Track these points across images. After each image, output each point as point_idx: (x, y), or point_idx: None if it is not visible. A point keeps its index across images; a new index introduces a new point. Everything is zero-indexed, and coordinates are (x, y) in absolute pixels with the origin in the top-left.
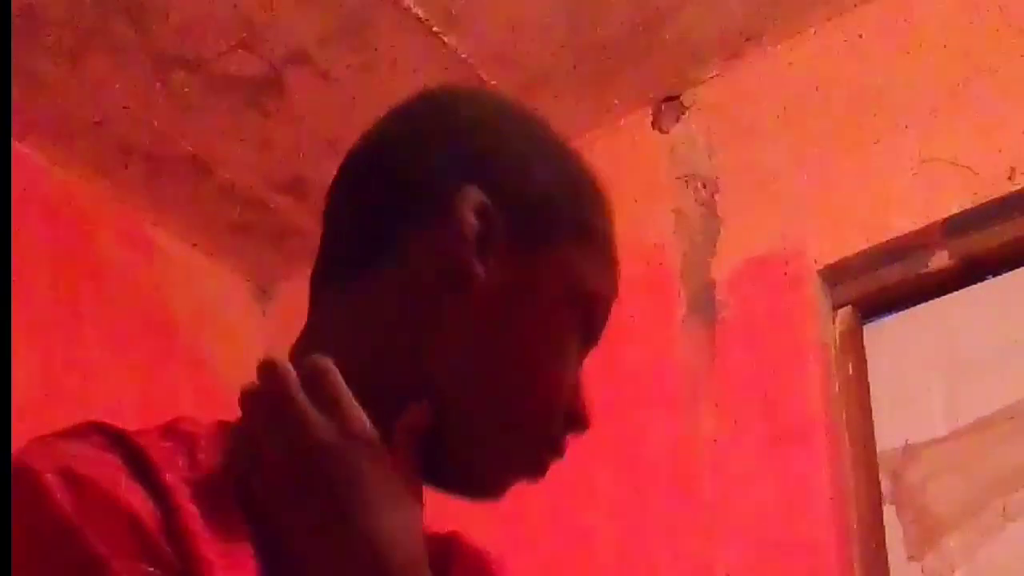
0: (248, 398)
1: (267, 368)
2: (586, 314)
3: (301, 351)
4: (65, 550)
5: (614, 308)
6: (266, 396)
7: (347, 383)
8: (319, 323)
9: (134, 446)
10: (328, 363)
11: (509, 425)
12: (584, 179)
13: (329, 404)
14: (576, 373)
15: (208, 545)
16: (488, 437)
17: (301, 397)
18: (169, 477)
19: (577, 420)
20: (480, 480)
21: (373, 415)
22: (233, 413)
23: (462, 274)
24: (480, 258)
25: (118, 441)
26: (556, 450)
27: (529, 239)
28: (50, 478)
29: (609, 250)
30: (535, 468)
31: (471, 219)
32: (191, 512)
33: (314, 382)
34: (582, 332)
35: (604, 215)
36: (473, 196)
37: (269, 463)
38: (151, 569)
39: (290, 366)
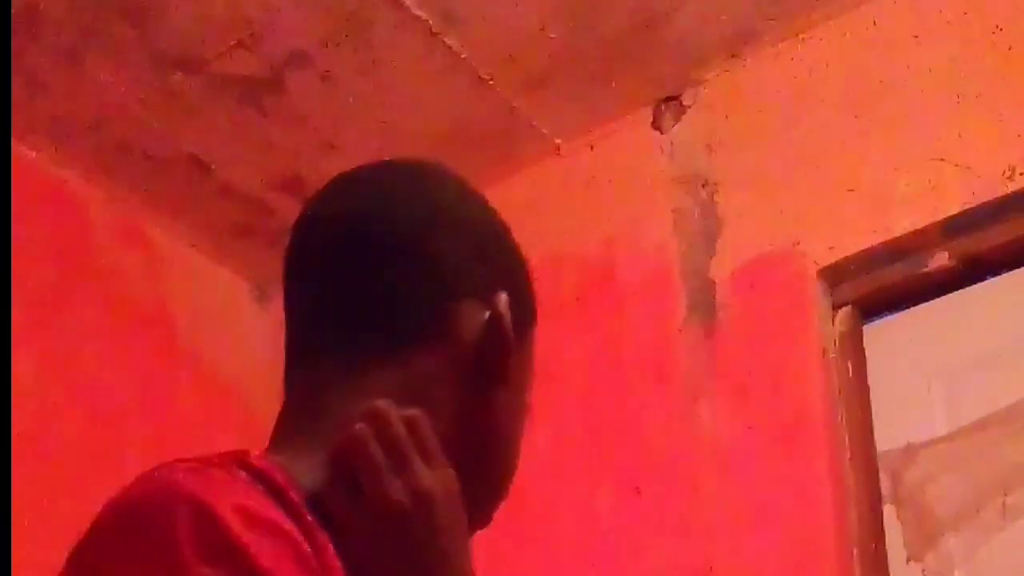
0: (361, 442)
1: (380, 415)
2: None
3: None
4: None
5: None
6: (384, 442)
7: None
8: (348, 397)
9: (270, 479)
10: (420, 413)
11: (504, 483)
12: (519, 253)
13: (426, 454)
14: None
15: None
16: (491, 495)
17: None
18: (308, 515)
19: None
20: (483, 521)
21: None
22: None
23: (503, 364)
24: (501, 344)
25: (259, 475)
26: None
27: (526, 324)
28: (230, 515)
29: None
30: (490, 518)
31: (508, 315)
32: (329, 547)
33: (412, 432)
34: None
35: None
36: (494, 281)
37: (386, 504)
38: None
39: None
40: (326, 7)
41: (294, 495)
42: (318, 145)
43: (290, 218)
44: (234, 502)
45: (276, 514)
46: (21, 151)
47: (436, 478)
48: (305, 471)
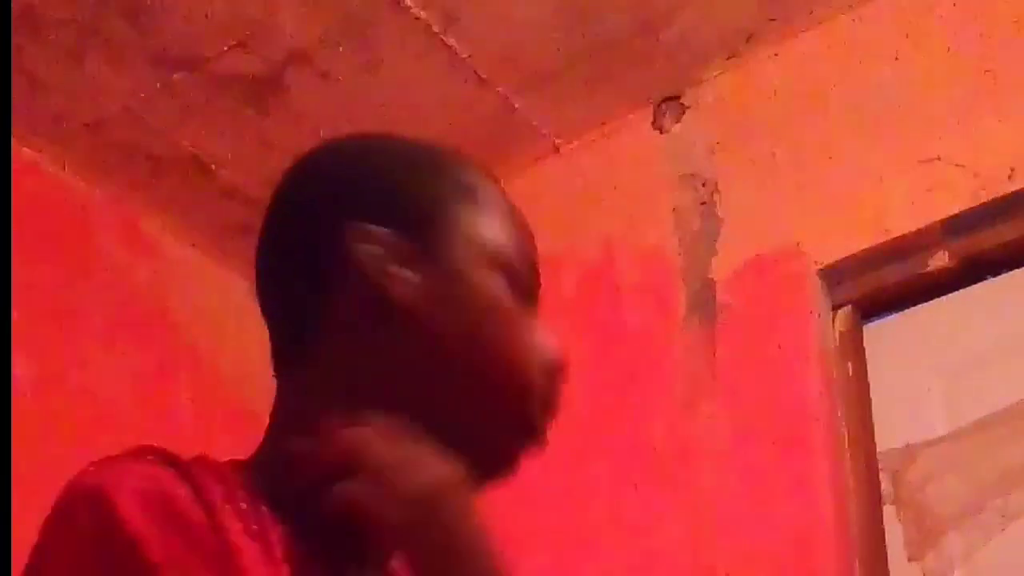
0: (366, 440)
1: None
2: (509, 273)
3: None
4: (128, 562)
5: (541, 266)
6: (391, 439)
7: None
8: (296, 408)
9: (184, 465)
10: None
11: (490, 408)
12: (445, 156)
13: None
14: (531, 330)
15: (252, 565)
16: (478, 426)
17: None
18: (217, 497)
19: (552, 368)
20: (491, 463)
21: None
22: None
23: (383, 302)
24: (389, 279)
25: (171, 462)
26: (547, 406)
27: (420, 232)
28: (125, 500)
29: (502, 206)
30: (533, 432)
31: (363, 250)
32: (237, 530)
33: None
34: (516, 293)
35: (484, 179)
36: (354, 229)
37: (402, 494)
38: None
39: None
40: (326, 7)
41: (203, 480)
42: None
43: None
44: (132, 486)
45: (181, 492)
46: (21, 151)
47: (446, 468)
48: (266, 469)
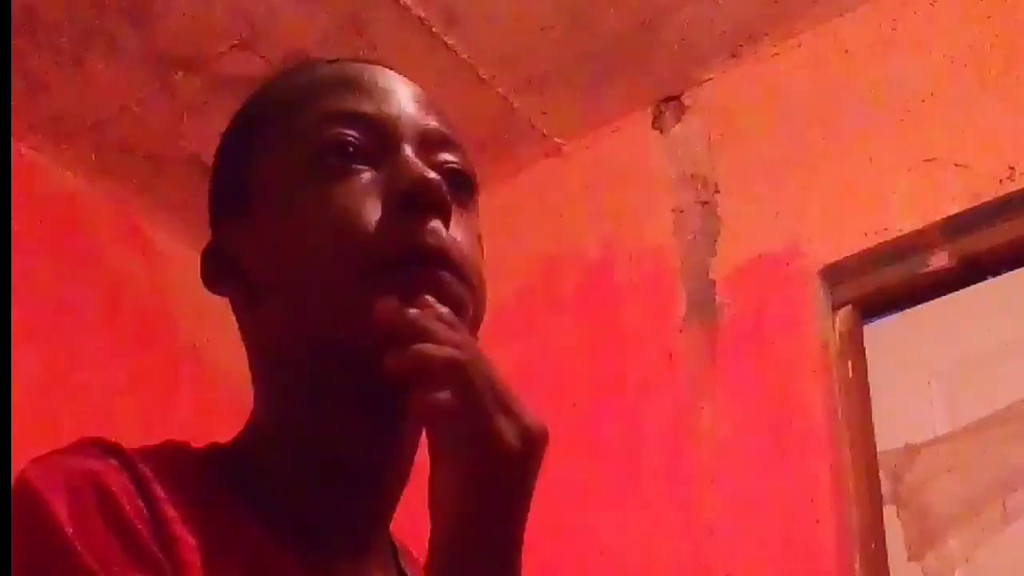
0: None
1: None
2: (321, 138)
3: None
4: (60, 564)
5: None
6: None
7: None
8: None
9: (127, 456)
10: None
11: (327, 273)
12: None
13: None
14: (374, 189)
15: (193, 555)
16: (322, 296)
17: None
18: (159, 488)
19: (408, 192)
20: (353, 331)
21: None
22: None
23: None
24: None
25: (113, 452)
26: (410, 246)
27: (249, 138)
28: (49, 494)
29: (341, 76)
30: (396, 280)
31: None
32: (178, 520)
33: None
34: (338, 155)
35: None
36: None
37: (518, 425)
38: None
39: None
40: (326, 7)
41: (145, 470)
42: None
43: None
44: (61, 481)
45: (116, 483)
46: (21, 151)
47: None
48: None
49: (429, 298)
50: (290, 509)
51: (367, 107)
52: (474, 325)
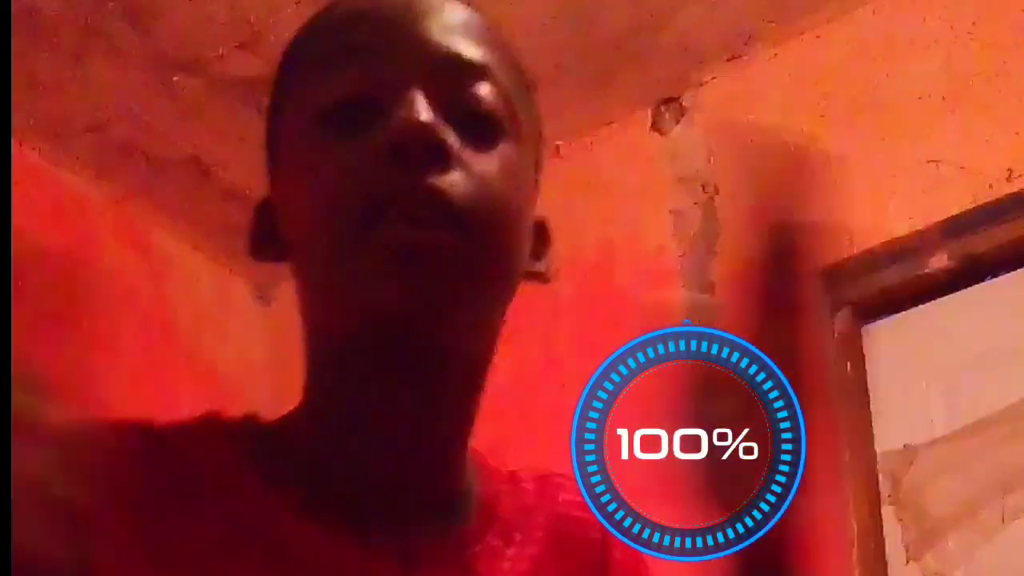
0: None
1: None
2: (314, 111)
3: None
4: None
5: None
6: None
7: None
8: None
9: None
10: None
11: (323, 247)
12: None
13: None
14: (363, 155)
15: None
16: (322, 269)
17: None
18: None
19: (390, 145)
20: (353, 315)
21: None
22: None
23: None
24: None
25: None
26: (384, 204)
27: (276, 85)
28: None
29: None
30: (373, 243)
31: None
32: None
33: None
34: (333, 127)
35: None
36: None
37: None
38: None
39: None
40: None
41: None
42: None
43: None
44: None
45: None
46: (21, 151)
47: None
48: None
49: None
50: (321, 481)
51: (375, 44)
52: (485, 268)
